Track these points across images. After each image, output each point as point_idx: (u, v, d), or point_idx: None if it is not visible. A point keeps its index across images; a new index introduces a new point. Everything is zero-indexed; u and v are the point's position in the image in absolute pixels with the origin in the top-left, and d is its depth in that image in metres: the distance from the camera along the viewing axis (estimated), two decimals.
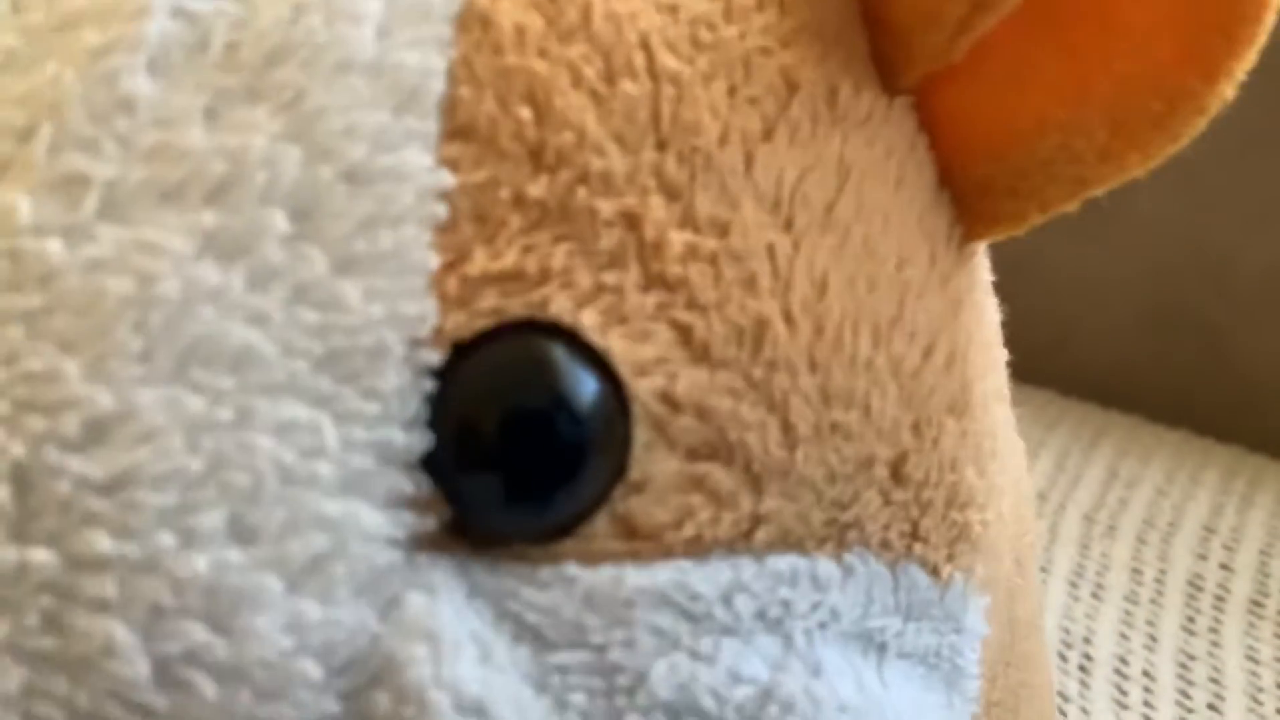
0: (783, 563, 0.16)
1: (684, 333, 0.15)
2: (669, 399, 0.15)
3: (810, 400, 0.16)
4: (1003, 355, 0.21)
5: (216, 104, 0.14)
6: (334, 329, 0.14)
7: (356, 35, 0.15)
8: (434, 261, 0.15)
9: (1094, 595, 0.47)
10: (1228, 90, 0.17)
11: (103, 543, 0.13)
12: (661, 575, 0.15)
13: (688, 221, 0.15)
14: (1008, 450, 0.20)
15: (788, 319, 0.16)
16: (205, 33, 0.15)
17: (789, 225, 0.16)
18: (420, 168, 0.15)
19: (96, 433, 0.14)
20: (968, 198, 0.18)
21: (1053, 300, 0.59)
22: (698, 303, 0.15)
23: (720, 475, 0.16)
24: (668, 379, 0.15)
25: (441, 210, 0.15)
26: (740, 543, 0.16)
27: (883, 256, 0.17)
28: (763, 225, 0.16)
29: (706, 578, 0.16)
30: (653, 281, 0.15)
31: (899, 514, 0.17)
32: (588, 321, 0.15)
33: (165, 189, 0.14)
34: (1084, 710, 0.42)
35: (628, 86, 0.15)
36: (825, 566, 0.16)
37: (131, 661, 0.13)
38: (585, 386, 0.15)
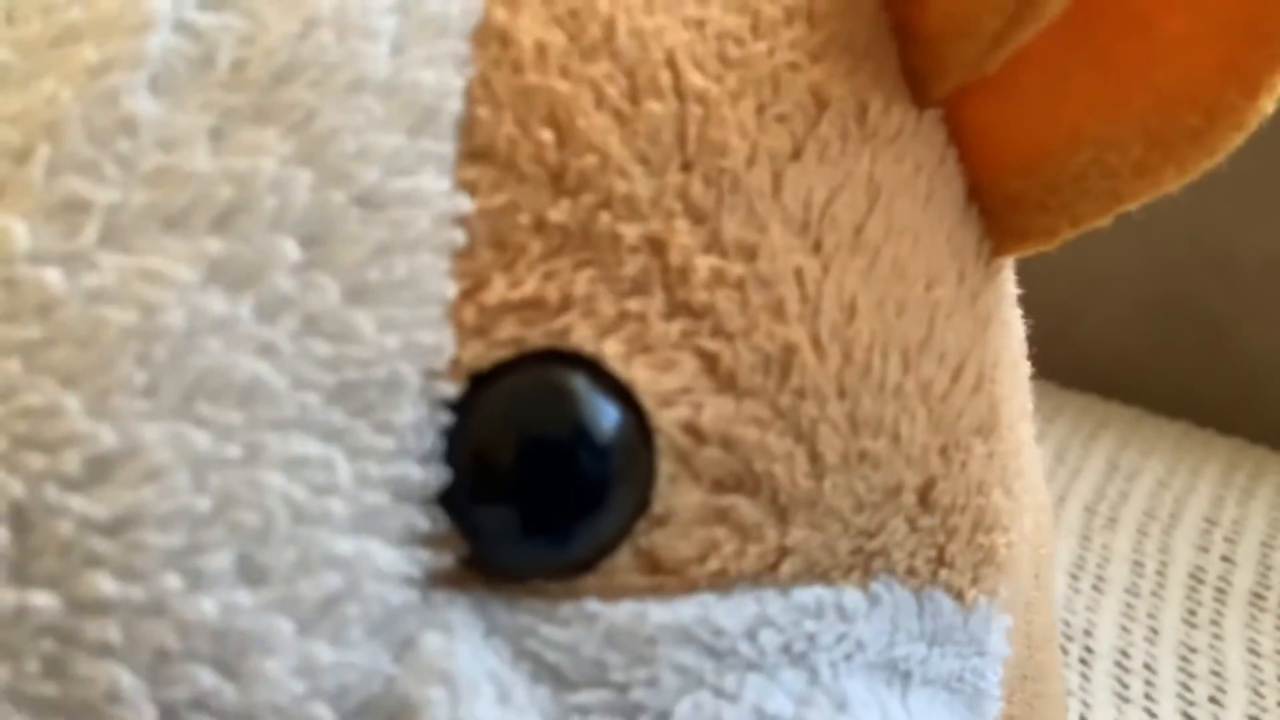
0: (808, 595, 0.16)
1: (710, 361, 0.15)
2: (694, 430, 0.15)
3: (839, 428, 0.16)
4: (1027, 369, 0.20)
5: (223, 124, 0.14)
6: (347, 361, 0.14)
7: (370, 52, 0.14)
8: (451, 290, 0.14)
9: (1095, 588, 0.47)
10: (1269, 104, 0.16)
11: (106, 585, 0.13)
12: (685, 611, 0.15)
13: (714, 246, 0.15)
14: (1029, 464, 0.20)
15: (816, 345, 0.15)
16: (211, 49, 0.14)
17: (818, 247, 0.15)
18: (437, 192, 0.14)
19: (99, 471, 0.13)
20: (997, 212, 0.18)
21: (1053, 291, 0.58)
22: (724, 330, 0.15)
23: (746, 507, 0.15)
24: (693, 409, 0.15)
25: (459, 236, 0.14)
26: (765, 575, 0.15)
27: (912, 277, 0.16)
28: (791, 248, 0.15)
29: (731, 612, 0.15)
30: (677, 309, 0.15)
31: (925, 540, 0.17)
32: (610, 351, 0.14)
33: (169, 214, 0.13)
34: (1085, 703, 0.42)
35: (653, 106, 0.15)
36: (851, 597, 0.16)
37: (136, 708, 0.13)
38: (607, 418, 0.14)
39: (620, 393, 0.14)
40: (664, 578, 0.15)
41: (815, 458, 0.15)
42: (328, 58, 0.14)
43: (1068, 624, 0.45)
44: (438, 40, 0.14)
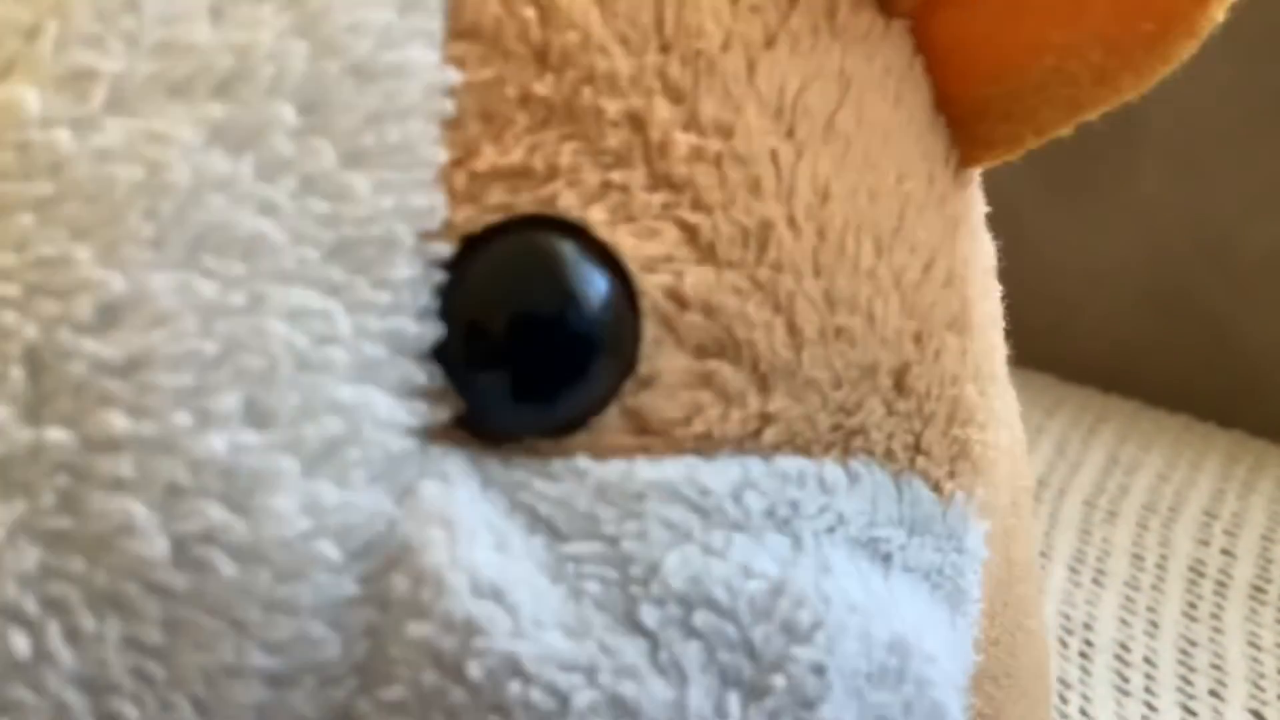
0: (790, 464, 0.16)
1: (690, 232, 0.16)
2: (677, 296, 0.15)
3: (815, 303, 0.16)
4: (997, 287, 0.21)
5: (221, 2, 0.14)
6: (343, 219, 0.14)
7: None
8: (442, 155, 0.15)
9: (1095, 581, 0.47)
10: (1218, 12, 0.17)
11: (118, 422, 0.13)
12: (672, 470, 0.15)
13: (692, 124, 0.16)
14: (1003, 387, 0.21)
15: (791, 223, 0.16)
16: None
17: (791, 133, 0.16)
18: (426, 64, 0.15)
19: (110, 316, 0.14)
20: (963, 122, 0.18)
21: (1053, 284, 0.59)
22: (703, 203, 0.16)
23: (728, 373, 0.16)
24: (675, 276, 0.15)
25: (448, 106, 0.15)
26: (749, 441, 0.16)
27: (883, 169, 0.17)
28: (766, 131, 0.16)
29: (716, 473, 0.16)
30: (659, 181, 0.15)
31: (902, 424, 0.17)
32: (595, 218, 0.15)
33: (173, 83, 0.14)
34: (1085, 697, 0.42)
35: None
36: (832, 470, 0.17)
37: (150, 540, 0.13)
38: (594, 282, 0.15)
39: (605, 260, 0.15)
40: (651, 438, 0.15)
41: (793, 329, 0.16)
42: None
43: (1068, 617, 0.45)
44: None
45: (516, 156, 0.15)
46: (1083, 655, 0.44)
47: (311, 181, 0.14)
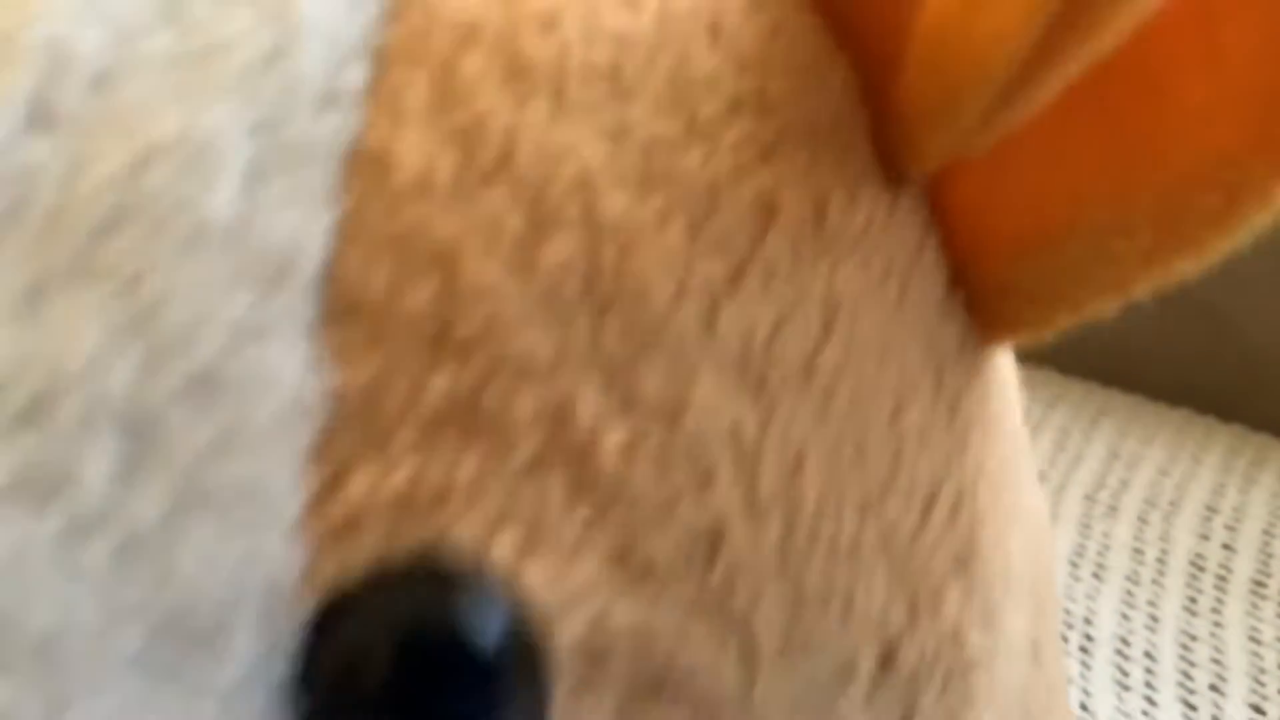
0: None
1: (620, 551, 0.12)
2: (602, 632, 0.12)
3: (778, 611, 0.13)
4: (1025, 440, 0.18)
5: (36, 289, 0.11)
6: (174, 585, 0.11)
7: (214, 191, 0.12)
8: (306, 489, 0.12)
9: (1095, 576, 0.47)
10: None
11: None
12: None
13: (629, 409, 0.12)
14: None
15: (752, 515, 0.13)
16: (24, 192, 0.11)
17: (759, 389, 0.13)
18: (292, 364, 0.12)
19: None
20: (985, 300, 0.15)
21: None
22: (638, 512, 0.12)
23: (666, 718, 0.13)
24: (600, 609, 0.12)
25: (318, 418, 0.12)
26: None
27: (875, 409, 0.14)
28: (726, 398, 0.13)
29: None
30: (583, 490, 0.12)
31: (888, 707, 0.14)
32: (501, 549, 0.12)
33: None
34: (1085, 691, 0.42)
35: (557, 244, 0.12)
36: None
37: None
38: (493, 629, 0.12)
39: (511, 596, 0.12)
40: None
41: (749, 650, 0.13)
42: (163, 200, 0.11)
43: (1068, 612, 0.45)
44: (298, 169, 0.12)
45: (401, 477, 0.12)
46: (1083, 650, 0.44)
47: (135, 539, 0.11)
